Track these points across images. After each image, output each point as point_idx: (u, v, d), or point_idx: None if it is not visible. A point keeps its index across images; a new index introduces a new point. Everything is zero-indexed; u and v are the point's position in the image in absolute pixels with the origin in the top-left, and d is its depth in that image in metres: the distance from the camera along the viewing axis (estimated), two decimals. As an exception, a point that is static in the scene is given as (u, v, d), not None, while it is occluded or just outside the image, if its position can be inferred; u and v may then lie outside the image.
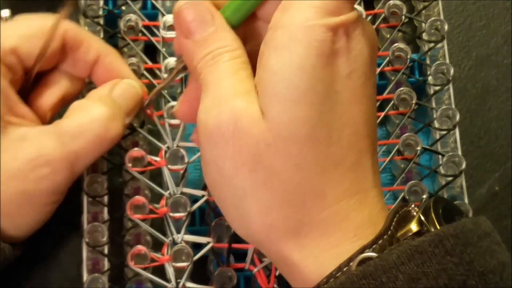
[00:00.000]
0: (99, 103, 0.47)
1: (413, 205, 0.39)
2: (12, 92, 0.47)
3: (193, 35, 0.40)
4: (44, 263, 0.51)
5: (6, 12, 0.51)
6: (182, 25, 0.41)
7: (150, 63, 0.54)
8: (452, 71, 0.52)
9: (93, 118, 0.47)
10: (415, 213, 0.38)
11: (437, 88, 0.52)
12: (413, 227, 0.37)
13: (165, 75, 0.53)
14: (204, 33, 0.40)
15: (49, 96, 0.50)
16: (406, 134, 0.51)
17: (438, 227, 0.37)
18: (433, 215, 0.38)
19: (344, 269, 0.36)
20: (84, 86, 0.52)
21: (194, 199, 0.51)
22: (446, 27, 0.53)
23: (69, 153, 0.46)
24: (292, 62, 0.37)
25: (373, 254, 0.36)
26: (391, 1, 0.54)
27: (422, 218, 0.38)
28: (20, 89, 0.49)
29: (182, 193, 0.50)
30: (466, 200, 0.51)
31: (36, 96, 0.50)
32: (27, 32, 0.48)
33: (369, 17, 0.54)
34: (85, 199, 0.51)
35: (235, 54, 0.40)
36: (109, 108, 0.47)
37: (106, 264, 0.50)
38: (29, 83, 0.49)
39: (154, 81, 0.53)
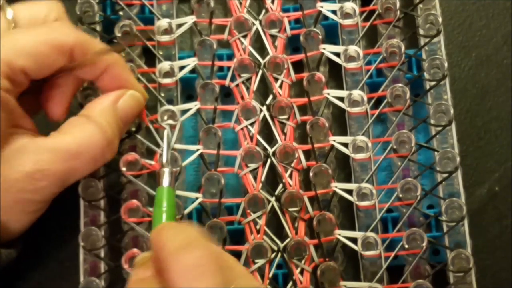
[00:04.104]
0: (100, 122, 0.48)
1: None
2: (16, 105, 0.48)
3: None
4: (44, 264, 0.52)
5: (10, 13, 0.51)
6: None
7: (145, 68, 0.54)
8: (446, 65, 0.51)
9: (92, 141, 0.48)
10: None
11: (433, 83, 0.52)
12: None
13: (160, 79, 0.53)
14: None
15: (60, 100, 0.50)
16: (399, 131, 0.50)
17: None
18: None
19: None
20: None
21: (192, 201, 0.51)
22: (440, 20, 0.53)
23: (65, 170, 0.47)
24: None
25: None
26: (384, -3, 0.53)
27: None
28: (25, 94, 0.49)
29: (176, 196, 0.50)
30: (463, 198, 0.50)
31: (47, 100, 0.50)
32: (35, 49, 0.48)
33: (365, 14, 0.54)
34: (81, 203, 0.51)
35: None
36: (109, 130, 0.48)
37: (102, 267, 0.50)
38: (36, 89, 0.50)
39: (149, 85, 0.53)
